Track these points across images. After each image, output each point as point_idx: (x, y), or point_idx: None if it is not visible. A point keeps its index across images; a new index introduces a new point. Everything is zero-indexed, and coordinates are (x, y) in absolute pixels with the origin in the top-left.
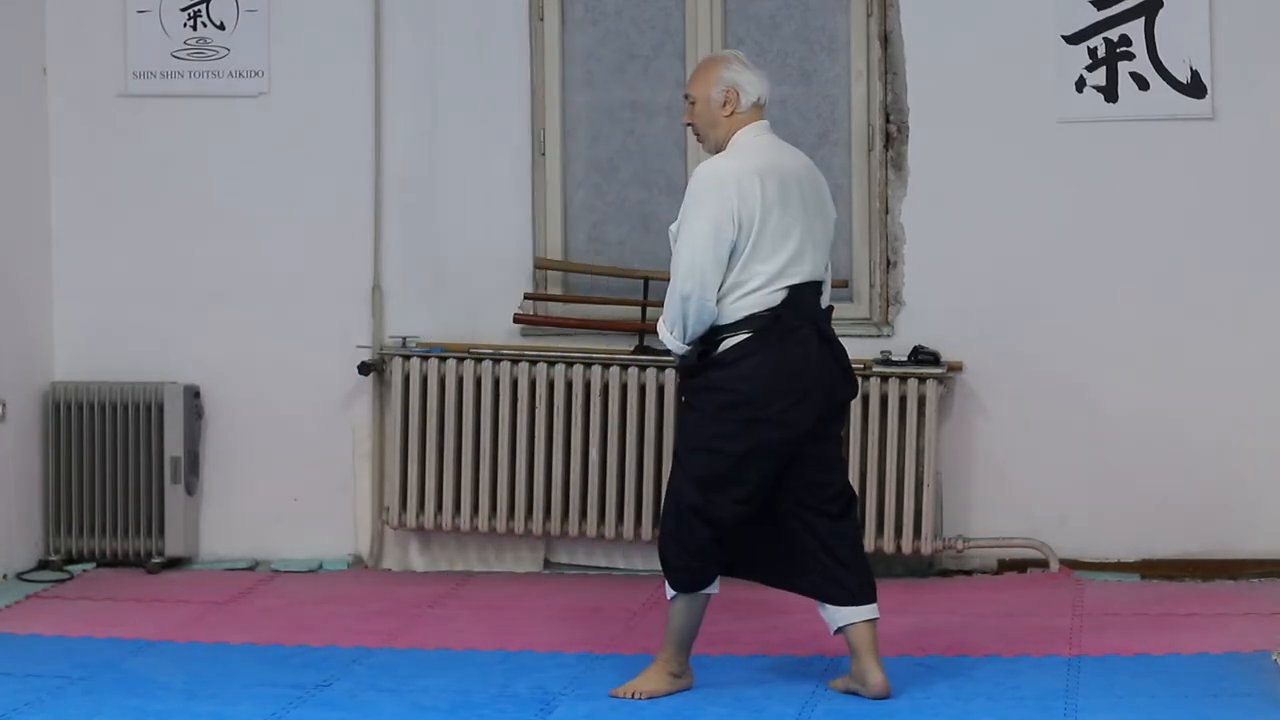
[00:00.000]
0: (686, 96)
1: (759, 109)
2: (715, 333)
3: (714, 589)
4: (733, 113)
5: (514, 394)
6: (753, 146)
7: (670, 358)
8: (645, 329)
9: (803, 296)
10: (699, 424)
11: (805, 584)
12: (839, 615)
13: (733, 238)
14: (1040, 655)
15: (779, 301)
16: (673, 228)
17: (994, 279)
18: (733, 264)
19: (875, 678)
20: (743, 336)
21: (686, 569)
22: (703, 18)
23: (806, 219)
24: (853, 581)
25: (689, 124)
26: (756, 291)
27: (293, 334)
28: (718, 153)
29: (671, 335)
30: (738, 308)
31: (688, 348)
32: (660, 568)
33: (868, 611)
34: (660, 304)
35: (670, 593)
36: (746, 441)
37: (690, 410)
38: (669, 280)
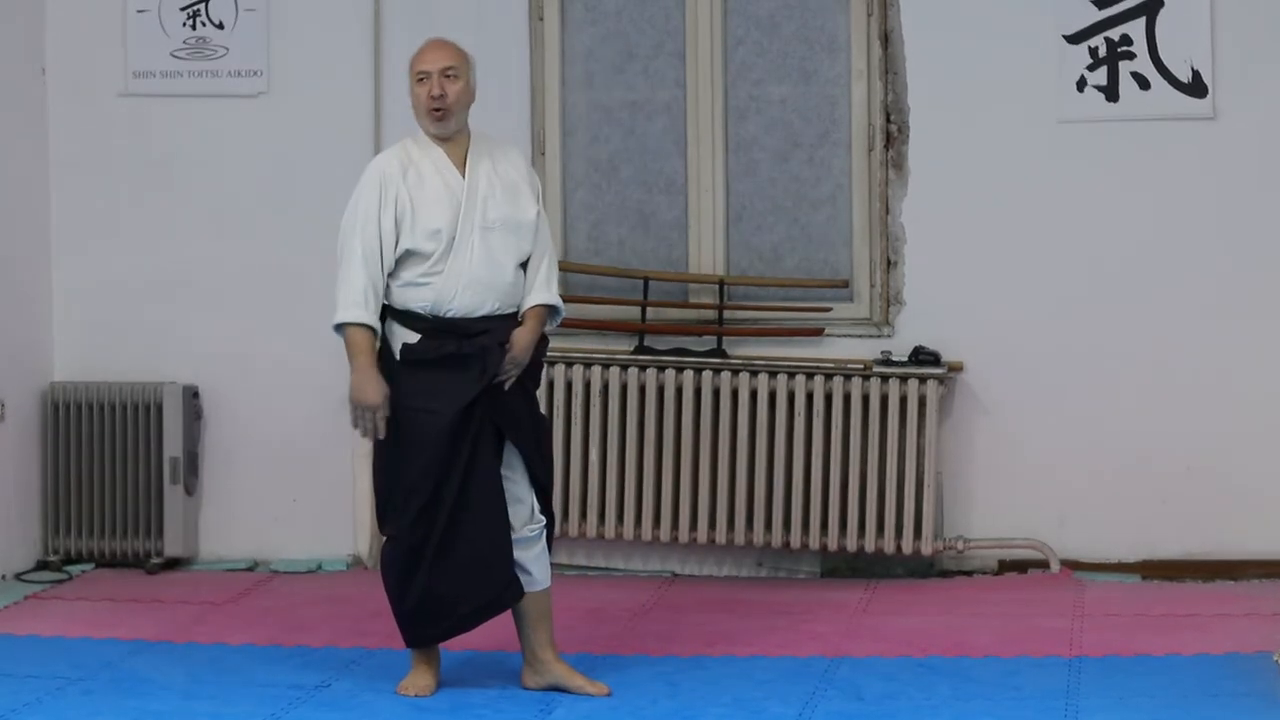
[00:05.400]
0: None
1: None
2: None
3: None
4: None
5: None
6: None
7: (672, 356)
8: (645, 329)
9: None
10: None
11: None
12: None
13: None
14: (1040, 655)
15: None
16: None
17: (994, 279)
18: None
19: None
20: None
21: None
22: (703, 18)
23: None
24: None
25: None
26: None
27: (293, 334)
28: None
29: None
30: None
31: None
32: (659, 568)
33: None
34: (662, 304)
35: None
36: None
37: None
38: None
